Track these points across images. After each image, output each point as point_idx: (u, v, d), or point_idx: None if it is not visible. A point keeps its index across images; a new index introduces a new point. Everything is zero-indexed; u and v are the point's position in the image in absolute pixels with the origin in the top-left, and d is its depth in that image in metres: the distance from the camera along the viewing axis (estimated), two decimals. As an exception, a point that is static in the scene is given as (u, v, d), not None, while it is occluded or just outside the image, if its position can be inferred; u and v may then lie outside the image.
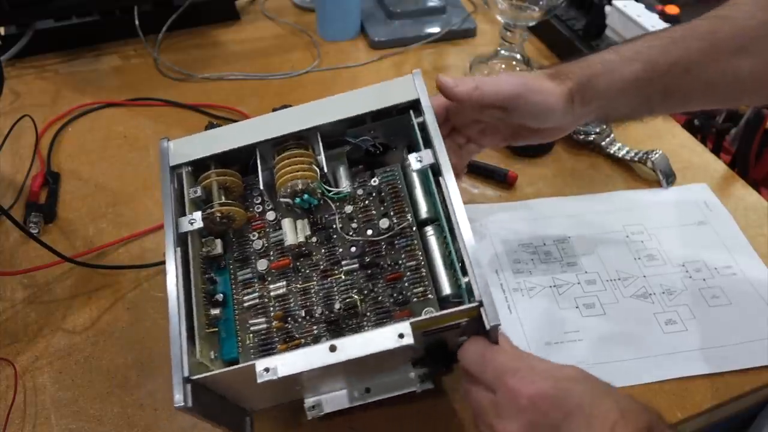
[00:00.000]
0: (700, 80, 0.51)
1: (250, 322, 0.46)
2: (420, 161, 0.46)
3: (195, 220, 0.46)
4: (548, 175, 0.74)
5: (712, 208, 0.70)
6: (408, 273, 0.46)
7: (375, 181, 0.50)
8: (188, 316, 0.43)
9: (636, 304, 0.60)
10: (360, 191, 0.50)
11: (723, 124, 0.94)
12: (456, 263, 0.44)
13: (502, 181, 0.72)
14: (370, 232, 0.48)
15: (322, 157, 0.49)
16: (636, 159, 0.73)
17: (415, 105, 0.49)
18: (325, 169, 0.49)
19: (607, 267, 0.63)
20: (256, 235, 0.50)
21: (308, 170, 0.48)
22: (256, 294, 0.47)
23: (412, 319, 0.40)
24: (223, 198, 0.49)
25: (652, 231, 0.67)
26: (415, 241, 0.47)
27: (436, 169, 0.46)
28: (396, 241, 0.47)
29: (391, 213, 0.48)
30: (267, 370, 0.40)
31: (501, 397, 0.40)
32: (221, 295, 0.47)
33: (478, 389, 0.42)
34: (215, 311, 0.46)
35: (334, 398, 0.48)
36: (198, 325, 0.44)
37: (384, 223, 0.47)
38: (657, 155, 0.73)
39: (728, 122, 0.95)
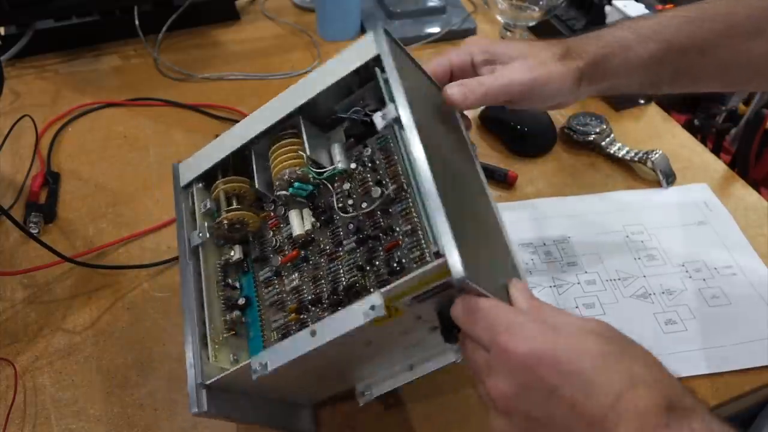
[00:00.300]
0: (714, 62, 0.51)
1: (271, 318, 0.46)
2: (383, 118, 0.43)
3: (202, 232, 0.48)
4: (548, 175, 0.74)
5: (712, 208, 0.70)
6: (405, 238, 0.43)
7: (368, 151, 0.48)
8: (201, 324, 0.45)
9: (636, 304, 0.60)
10: (354, 165, 0.48)
11: (723, 124, 0.95)
12: (425, 220, 0.41)
13: (502, 181, 0.72)
14: (365, 204, 0.45)
15: (305, 140, 0.47)
16: (636, 159, 0.73)
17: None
18: (308, 152, 0.46)
19: (607, 267, 0.63)
20: (272, 233, 0.50)
21: (294, 158, 0.47)
22: (275, 290, 0.47)
23: (383, 289, 0.38)
24: (234, 204, 0.49)
25: (652, 231, 0.67)
26: (411, 204, 0.44)
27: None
28: (391, 208, 0.45)
29: (386, 180, 0.46)
30: (260, 365, 0.40)
31: (493, 355, 0.36)
32: (243, 299, 0.48)
33: (475, 347, 0.38)
34: (232, 315, 0.47)
35: (383, 380, 0.47)
36: (213, 331, 0.45)
37: (376, 191, 0.45)
38: (657, 155, 0.73)
39: (728, 122, 0.95)
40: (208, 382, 0.42)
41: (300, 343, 0.39)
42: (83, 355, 0.56)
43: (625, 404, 0.32)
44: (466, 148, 0.51)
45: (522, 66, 0.49)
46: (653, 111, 0.84)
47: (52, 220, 0.67)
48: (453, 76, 0.51)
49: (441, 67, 0.51)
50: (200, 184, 0.51)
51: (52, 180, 0.71)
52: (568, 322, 0.36)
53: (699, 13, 0.51)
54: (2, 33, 0.88)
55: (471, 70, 0.51)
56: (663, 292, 0.61)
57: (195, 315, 0.45)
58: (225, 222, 0.48)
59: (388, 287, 0.37)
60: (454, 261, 0.34)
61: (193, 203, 0.50)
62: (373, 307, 0.37)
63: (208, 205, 0.49)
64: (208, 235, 0.48)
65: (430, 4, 0.98)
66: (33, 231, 0.64)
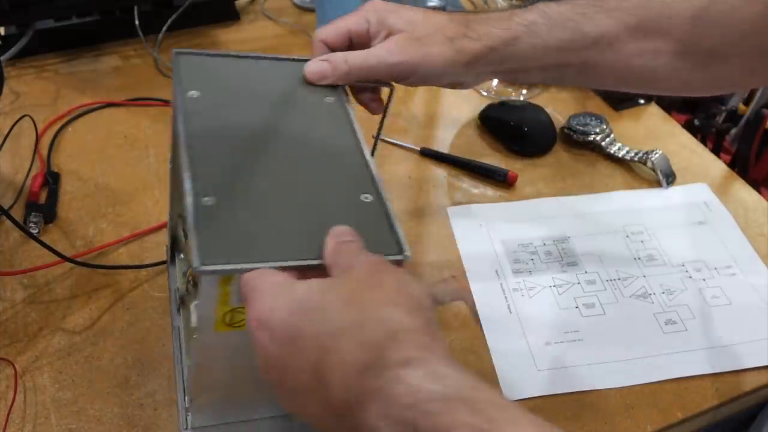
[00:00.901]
0: (619, 58, 0.48)
1: None
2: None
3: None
4: (548, 175, 0.74)
5: (712, 208, 0.70)
6: None
7: None
8: None
9: (636, 304, 0.60)
10: None
11: (723, 124, 0.95)
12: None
13: (502, 181, 0.72)
14: None
15: None
16: (636, 159, 0.73)
17: None
18: None
19: (607, 267, 0.63)
20: None
21: None
22: None
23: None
24: None
25: (652, 231, 0.67)
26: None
27: None
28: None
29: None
30: None
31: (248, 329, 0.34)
32: None
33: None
34: None
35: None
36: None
37: None
38: (657, 155, 0.73)
39: (728, 122, 0.95)
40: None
41: None
42: (83, 355, 0.55)
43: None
44: (326, 114, 0.48)
45: (399, 44, 0.46)
46: (653, 111, 0.84)
47: (52, 220, 0.67)
48: (352, 43, 0.49)
49: (338, 34, 0.49)
50: None
51: (52, 180, 0.71)
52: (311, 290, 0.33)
53: (616, 4, 0.48)
54: (2, 33, 0.88)
55: (366, 38, 0.49)
56: (663, 292, 0.61)
57: None
58: None
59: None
60: (194, 251, 0.35)
61: None
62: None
63: None
64: None
65: (430, 4, 0.98)
66: (33, 231, 0.64)
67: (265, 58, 0.50)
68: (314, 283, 0.33)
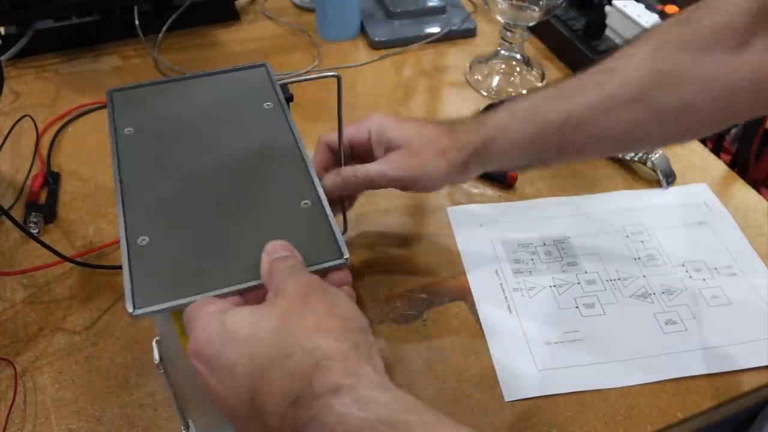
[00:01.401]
0: (592, 133, 0.51)
1: None
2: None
3: None
4: (548, 175, 0.74)
5: (712, 208, 0.70)
6: None
7: None
8: None
9: (636, 304, 0.60)
10: None
11: (723, 124, 0.95)
12: None
13: (502, 181, 0.72)
14: None
15: None
16: (636, 159, 0.73)
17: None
18: None
19: (607, 267, 0.63)
20: None
21: None
22: None
23: None
24: None
25: (652, 231, 0.67)
26: None
27: None
28: None
29: None
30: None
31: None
32: None
33: None
34: None
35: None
36: None
37: None
38: (657, 155, 0.73)
39: (728, 122, 0.95)
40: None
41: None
42: (83, 355, 0.56)
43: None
44: (265, 122, 0.48)
45: (399, 161, 0.52)
46: (653, 111, 0.84)
47: (52, 220, 0.67)
48: (352, 148, 0.56)
49: (335, 141, 0.54)
50: None
51: (52, 180, 0.71)
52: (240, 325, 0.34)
53: (573, 88, 0.52)
54: (2, 33, 0.88)
55: (368, 146, 0.55)
56: (663, 292, 0.61)
57: None
58: None
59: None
60: (126, 296, 0.36)
61: None
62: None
63: None
64: None
65: (430, 4, 0.98)
66: (33, 231, 0.64)
67: (199, 76, 0.51)
68: (246, 312, 0.34)
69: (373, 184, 0.53)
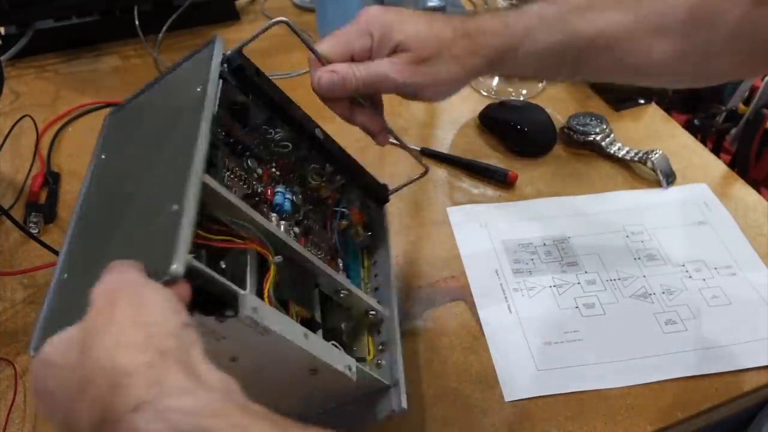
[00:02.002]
0: (615, 57, 0.47)
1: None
2: None
3: None
4: (548, 175, 0.74)
5: (712, 208, 0.70)
6: None
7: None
8: None
9: (636, 304, 0.60)
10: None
11: (723, 124, 0.94)
12: None
13: (502, 181, 0.72)
14: None
15: None
16: (636, 159, 0.73)
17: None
18: None
19: (607, 267, 0.63)
20: None
21: None
22: None
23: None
24: None
25: (652, 231, 0.67)
26: None
27: None
28: None
29: None
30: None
31: None
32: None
33: None
34: None
35: None
36: None
37: None
38: (657, 155, 0.73)
39: (728, 122, 0.95)
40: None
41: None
42: (83, 355, 0.55)
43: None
44: (188, 118, 0.41)
45: (407, 65, 0.45)
46: (653, 111, 0.84)
47: (52, 220, 0.67)
48: (353, 58, 0.46)
49: (340, 50, 0.46)
50: None
51: (52, 180, 0.71)
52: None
53: (610, 1, 0.47)
54: (2, 33, 0.88)
55: (370, 51, 0.46)
56: (663, 292, 0.61)
57: None
58: None
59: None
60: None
61: None
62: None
63: None
64: None
65: (430, 4, 0.98)
66: (33, 231, 0.64)
67: (174, 69, 0.47)
68: (57, 338, 0.31)
69: (374, 87, 0.46)
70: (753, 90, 0.92)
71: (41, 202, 0.68)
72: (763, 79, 0.90)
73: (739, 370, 0.55)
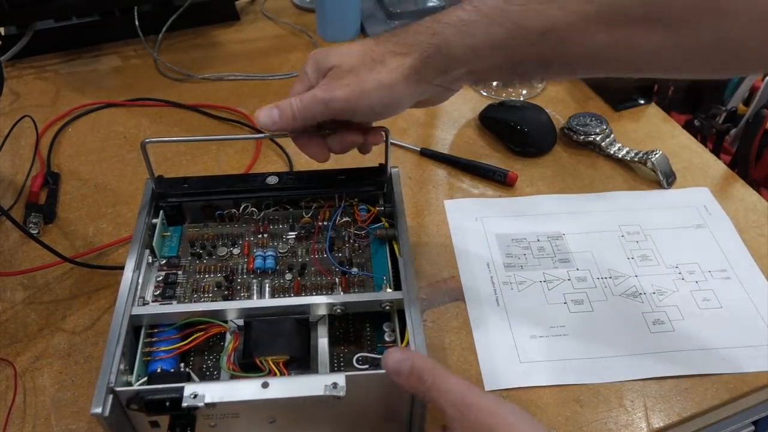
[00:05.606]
0: (584, 51, 0.41)
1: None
2: None
3: None
4: (548, 175, 0.74)
5: (712, 212, 0.69)
6: None
7: None
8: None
9: (625, 303, 0.60)
10: None
11: (723, 125, 0.94)
12: None
13: (502, 181, 0.72)
14: None
15: None
16: (636, 159, 0.73)
17: None
18: None
19: (599, 265, 0.63)
20: None
21: None
22: None
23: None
24: None
25: (648, 232, 0.67)
26: None
27: None
28: None
29: None
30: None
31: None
32: None
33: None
34: None
35: None
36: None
37: None
38: (657, 155, 0.72)
39: (728, 122, 0.95)
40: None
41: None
42: (83, 355, 0.56)
43: None
44: None
45: (329, 80, 0.44)
46: (653, 111, 0.84)
47: (52, 220, 0.67)
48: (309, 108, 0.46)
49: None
50: None
51: (52, 180, 0.71)
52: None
53: None
54: (2, 33, 0.88)
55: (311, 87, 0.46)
56: (654, 292, 0.61)
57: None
58: None
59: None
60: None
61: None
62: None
63: None
64: None
65: (430, 4, 0.98)
66: (33, 231, 0.65)
67: None
68: None
69: (311, 111, 0.44)
70: (753, 90, 0.92)
71: (41, 203, 0.68)
72: (763, 79, 0.90)
73: (725, 374, 0.54)
